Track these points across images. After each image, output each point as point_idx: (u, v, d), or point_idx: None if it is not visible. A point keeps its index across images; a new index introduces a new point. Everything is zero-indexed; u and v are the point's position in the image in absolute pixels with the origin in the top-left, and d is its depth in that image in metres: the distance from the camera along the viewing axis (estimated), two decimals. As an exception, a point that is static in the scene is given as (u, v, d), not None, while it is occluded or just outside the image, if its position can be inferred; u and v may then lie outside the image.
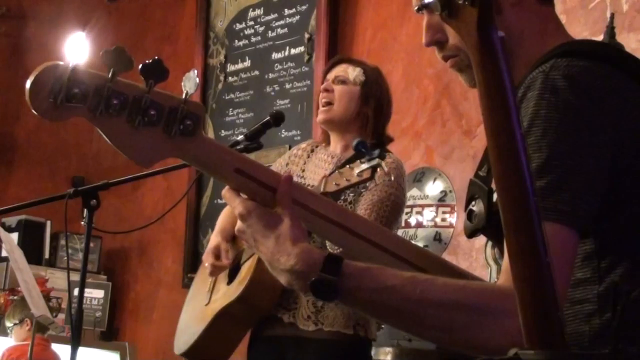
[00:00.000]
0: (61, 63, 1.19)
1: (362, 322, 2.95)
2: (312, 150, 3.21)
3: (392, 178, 2.92)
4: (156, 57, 1.22)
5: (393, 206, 2.91)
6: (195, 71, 1.30)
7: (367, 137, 3.03)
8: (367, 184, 2.93)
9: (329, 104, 3.07)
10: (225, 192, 1.42)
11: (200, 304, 3.15)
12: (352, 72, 3.09)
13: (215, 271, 3.03)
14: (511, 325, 1.23)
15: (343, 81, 3.08)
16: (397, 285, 1.32)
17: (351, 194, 2.98)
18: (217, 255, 3.02)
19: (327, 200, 1.52)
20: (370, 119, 3.08)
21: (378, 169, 2.41)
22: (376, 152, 2.61)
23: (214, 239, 3.09)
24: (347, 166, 2.41)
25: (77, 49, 1.18)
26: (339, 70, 3.12)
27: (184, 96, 1.27)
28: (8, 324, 5.11)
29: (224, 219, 3.17)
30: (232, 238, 3.11)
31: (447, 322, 1.32)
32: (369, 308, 1.39)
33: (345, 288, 1.32)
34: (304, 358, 2.93)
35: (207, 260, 3.02)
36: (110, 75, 1.20)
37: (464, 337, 1.32)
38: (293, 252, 1.35)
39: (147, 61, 1.22)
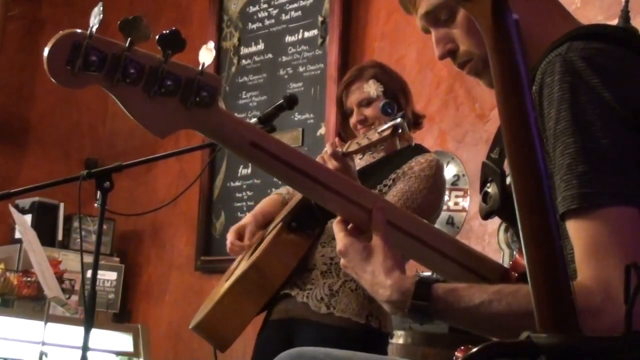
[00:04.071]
0: (79, 31, 1.19)
1: (375, 314, 2.90)
2: None
3: (430, 173, 2.90)
4: (174, 28, 1.22)
5: (423, 203, 2.85)
6: (212, 43, 1.30)
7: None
8: (405, 173, 2.90)
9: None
10: (336, 223, 1.54)
11: (222, 283, 3.15)
12: (369, 88, 3.02)
13: (233, 249, 3.04)
14: (603, 323, 1.25)
15: (369, 102, 3.02)
16: (484, 302, 1.39)
17: (391, 181, 2.94)
18: (241, 234, 3.02)
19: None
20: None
21: (406, 140, 2.36)
22: (400, 113, 2.61)
23: (245, 218, 3.09)
24: (372, 128, 2.40)
25: (95, 18, 1.17)
26: (358, 94, 3.05)
27: (200, 67, 1.28)
28: None
29: (265, 204, 3.17)
30: (265, 224, 3.09)
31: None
32: (462, 324, 1.48)
33: (437, 310, 1.43)
34: (312, 341, 2.91)
35: (229, 236, 3.03)
36: (127, 44, 1.20)
37: None
38: (387, 284, 1.47)
39: (164, 32, 1.22)
